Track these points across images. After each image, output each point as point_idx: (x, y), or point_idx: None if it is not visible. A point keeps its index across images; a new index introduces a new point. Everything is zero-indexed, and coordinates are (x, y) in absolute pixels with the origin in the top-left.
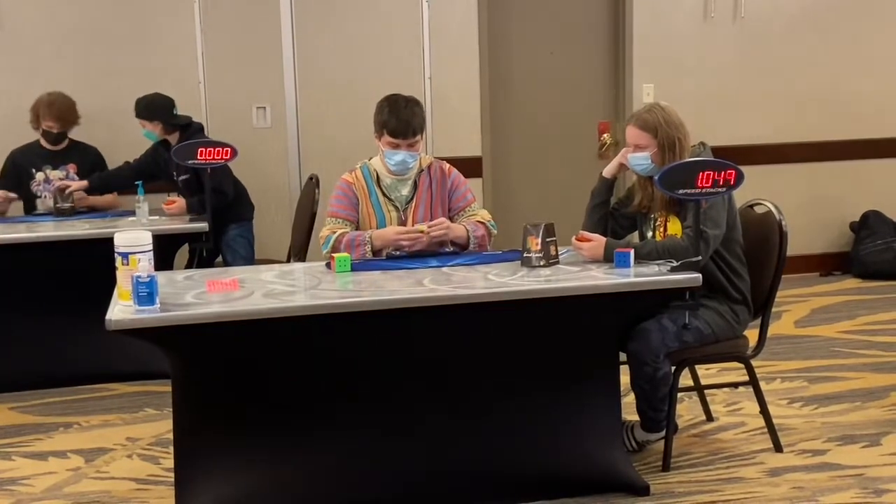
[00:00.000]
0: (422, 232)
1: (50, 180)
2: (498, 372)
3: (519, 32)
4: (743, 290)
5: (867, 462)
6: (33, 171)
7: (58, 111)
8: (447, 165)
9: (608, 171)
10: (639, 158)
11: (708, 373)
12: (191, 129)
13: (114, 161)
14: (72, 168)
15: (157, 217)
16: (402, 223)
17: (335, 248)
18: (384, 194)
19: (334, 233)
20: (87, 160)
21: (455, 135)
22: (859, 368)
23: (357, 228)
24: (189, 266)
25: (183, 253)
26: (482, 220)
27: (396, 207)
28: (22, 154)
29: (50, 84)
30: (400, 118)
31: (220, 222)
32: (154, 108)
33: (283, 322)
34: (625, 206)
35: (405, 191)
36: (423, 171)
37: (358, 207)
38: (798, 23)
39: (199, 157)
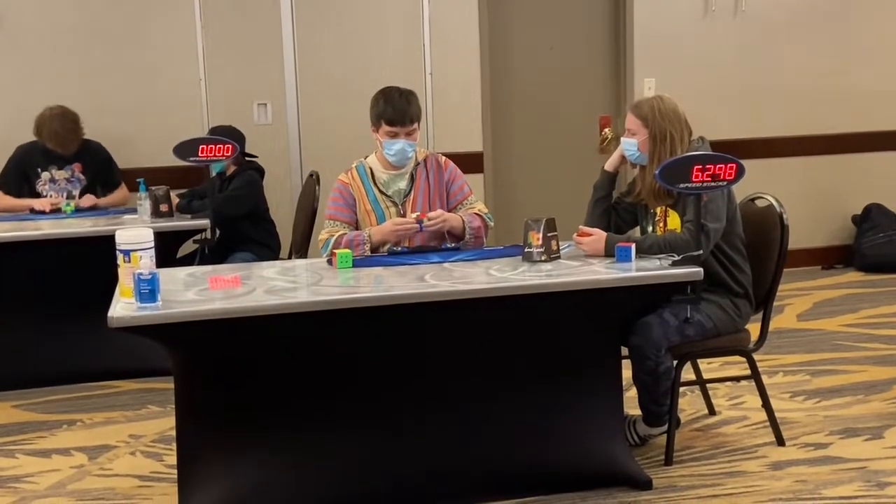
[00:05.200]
0: (418, 219)
1: (56, 180)
2: (499, 366)
3: (519, 27)
4: (744, 284)
5: (870, 455)
6: (39, 170)
7: (62, 140)
8: (443, 158)
9: (610, 164)
10: (629, 144)
11: (710, 367)
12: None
13: (118, 158)
14: (77, 167)
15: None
16: (402, 217)
17: None
18: (381, 191)
19: (332, 236)
20: (96, 159)
21: (456, 130)
22: (862, 362)
23: (356, 229)
24: (190, 263)
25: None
26: (479, 212)
27: (395, 203)
28: (27, 152)
29: (50, 81)
30: (396, 107)
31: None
32: (233, 137)
33: (285, 318)
34: (627, 197)
35: (402, 184)
36: (419, 164)
37: (355, 208)
38: (799, 16)
39: (200, 155)
